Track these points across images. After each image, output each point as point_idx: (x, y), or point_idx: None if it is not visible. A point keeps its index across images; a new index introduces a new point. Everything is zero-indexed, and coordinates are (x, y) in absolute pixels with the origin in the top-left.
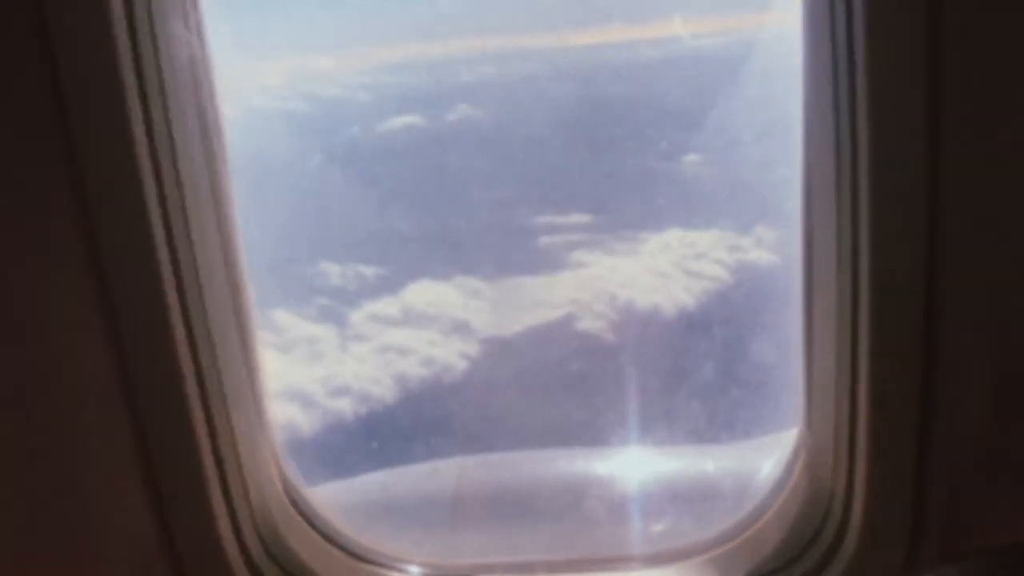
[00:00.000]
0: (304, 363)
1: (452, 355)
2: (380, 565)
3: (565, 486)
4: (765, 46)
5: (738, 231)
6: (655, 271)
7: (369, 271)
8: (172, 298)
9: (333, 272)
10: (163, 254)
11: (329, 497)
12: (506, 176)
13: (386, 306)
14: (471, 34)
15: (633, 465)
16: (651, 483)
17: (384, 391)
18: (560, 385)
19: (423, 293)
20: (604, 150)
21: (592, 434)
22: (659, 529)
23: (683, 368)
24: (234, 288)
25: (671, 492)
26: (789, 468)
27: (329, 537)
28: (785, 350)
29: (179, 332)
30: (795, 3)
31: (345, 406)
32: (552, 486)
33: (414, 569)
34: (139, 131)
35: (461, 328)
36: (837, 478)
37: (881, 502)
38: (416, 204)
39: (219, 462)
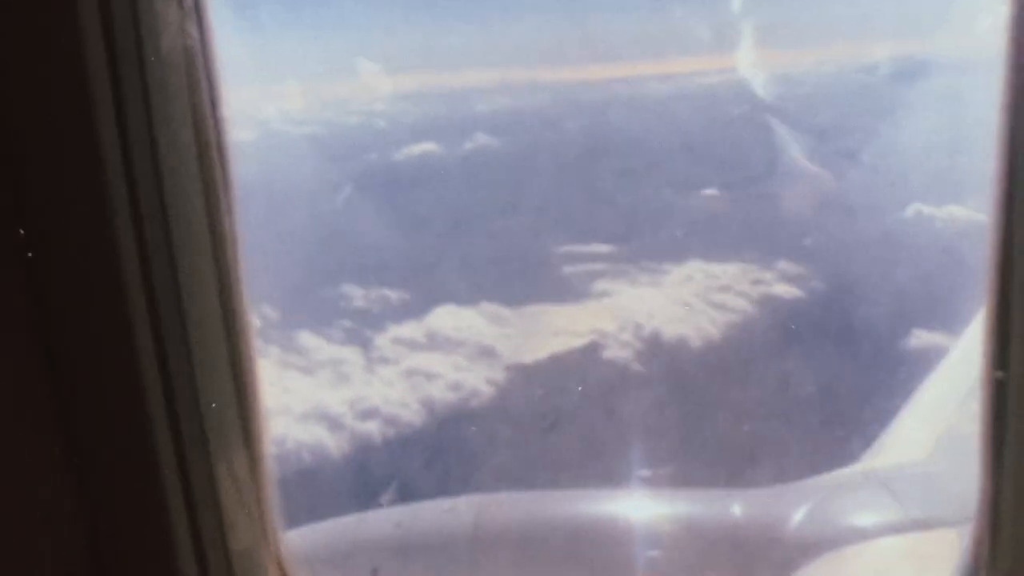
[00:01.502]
0: (330, 385)
1: (479, 381)
2: None
3: (594, 528)
4: (769, 84)
5: (761, 265)
6: (679, 301)
7: (393, 295)
8: (143, 332)
9: (356, 295)
10: (132, 277)
11: (347, 530)
12: (525, 204)
13: (411, 330)
14: (485, 66)
15: (657, 506)
16: (672, 525)
17: (412, 415)
18: (589, 416)
19: (447, 318)
20: (618, 181)
21: (618, 469)
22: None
23: (713, 403)
24: (231, 323)
25: (696, 535)
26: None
27: None
28: (815, 387)
29: (147, 364)
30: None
31: (373, 428)
32: (585, 527)
33: None
34: (108, 135)
35: (487, 353)
36: None
37: None
38: (435, 229)
39: (195, 536)
